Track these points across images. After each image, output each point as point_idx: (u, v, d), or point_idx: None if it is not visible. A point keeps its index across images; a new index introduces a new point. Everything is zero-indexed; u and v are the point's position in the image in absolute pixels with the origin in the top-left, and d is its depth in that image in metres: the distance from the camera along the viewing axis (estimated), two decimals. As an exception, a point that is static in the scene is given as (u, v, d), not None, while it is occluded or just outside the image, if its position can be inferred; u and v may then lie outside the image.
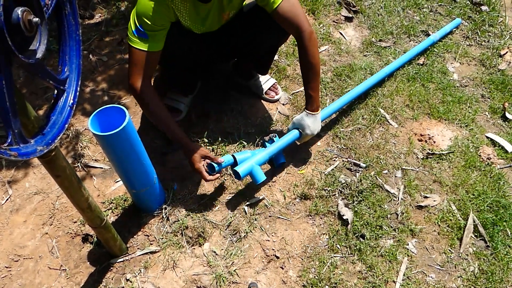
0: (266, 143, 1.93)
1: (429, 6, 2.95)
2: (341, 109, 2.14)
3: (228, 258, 1.65)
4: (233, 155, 1.78)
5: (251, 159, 1.75)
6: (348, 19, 2.81)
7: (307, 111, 1.82)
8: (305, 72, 1.79)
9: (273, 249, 1.69)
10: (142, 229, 1.73)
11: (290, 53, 2.51)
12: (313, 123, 1.82)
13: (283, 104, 2.24)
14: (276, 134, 1.95)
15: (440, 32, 2.63)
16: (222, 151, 1.98)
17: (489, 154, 2.02)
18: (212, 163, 1.70)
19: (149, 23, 1.50)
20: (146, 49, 1.54)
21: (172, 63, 1.84)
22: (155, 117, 1.68)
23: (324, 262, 1.64)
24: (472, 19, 2.83)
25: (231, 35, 1.88)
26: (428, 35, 2.67)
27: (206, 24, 1.70)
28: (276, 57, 2.41)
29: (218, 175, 1.75)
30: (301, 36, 1.69)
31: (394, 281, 1.60)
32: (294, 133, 1.88)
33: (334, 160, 1.99)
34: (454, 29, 2.75)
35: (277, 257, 1.66)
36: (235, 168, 1.71)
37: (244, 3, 1.78)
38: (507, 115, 2.21)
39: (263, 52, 2.03)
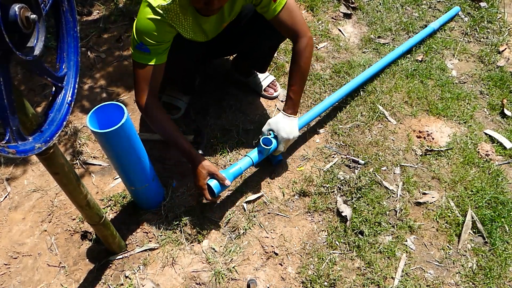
0: (261, 140, 1.91)
1: (428, 3, 2.94)
2: (337, 103, 2.13)
3: (227, 255, 1.65)
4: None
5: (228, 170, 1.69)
6: (347, 16, 2.80)
7: (284, 113, 1.77)
8: (293, 74, 1.74)
9: (272, 246, 1.69)
10: (141, 226, 1.73)
11: (289, 50, 2.50)
12: (289, 126, 1.76)
13: (281, 101, 2.24)
14: (271, 132, 1.92)
15: (439, 20, 2.64)
16: (221, 148, 1.98)
17: (487, 151, 2.02)
18: (212, 187, 1.61)
19: (149, 40, 1.47)
20: (149, 63, 1.52)
21: (170, 62, 1.83)
22: (164, 134, 1.65)
23: (323, 258, 1.65)
24: (471, 16, 2.83)
25: (230, 37, 1.87)
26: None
27: (208, 34, 1.69)
28: (275, 54, 2.41)
29: (216, 199, 1.74)
30: (299, 41, 1.68)
31: (392, 277, 1.61)
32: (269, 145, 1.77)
33: (333, 157, 1.99)
34: (453, 17, 2.78)
35: (276, 254, 1.67)
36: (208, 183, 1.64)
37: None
38: (506, 111, 2.22)
39: (262, 51, 2.03)
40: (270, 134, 1.88)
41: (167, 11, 1.46)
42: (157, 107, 1.61)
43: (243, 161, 1.74)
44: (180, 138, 1.65)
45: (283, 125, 1.75)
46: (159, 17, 1.46)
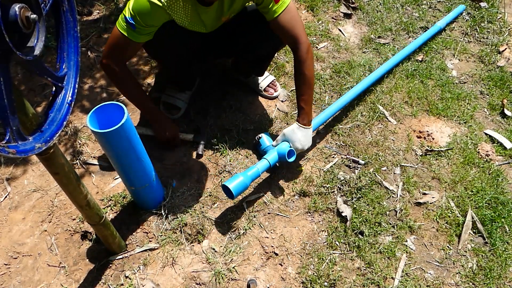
0: (260, 140, 1.92)
1: (428, 3, 2.94)
2: (340, 110, 2.13)
3: (227, 255, 1.65)
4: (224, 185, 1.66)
5: (242, 175, 1.68)
6: (347, 16, 2.80)
7: (299, 124, 1.77)
8: (299, 84, 1.75)
9: (272, 246, 1.69)
10: (141, 226, 1.73)
11: (289, 50, 2.50)
12: (304, 137, 1.78)
13: (282, 101, 2.24)
14: (286, 142, 1.90)
15: (445, 18, 2.66)
16: (221, 148, 1.98)
17: (487, 151, 2.02)
18: (231, 189, 1.61)
19: (140, 20, 1.49)
20: (129, 37, 1.54)
21: (170, 60, 1.83)
22: (130, 94, 1.76)
23: (323, 258, 1.65)
24: (471, 16, 2.83)
25: (230, 35, 1.87)
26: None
27: (207, 26, 1.69)
28: (275, 55, 2.41)
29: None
30: (298, 48, 1.67)
31: (392, 278, 1.61)
32: (285, 149, 1.77)
33: (333, 157, 1.99)
34: (459, 15, 2.81)
35: (276, 254, 1.67)
36: (225, 184, 1.64)
37: (247, 4, 1.76)
38: (506, 111, 2.22)
39: (261, 55, 2.02)
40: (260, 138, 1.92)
41: None
42: (125, 69, 1.68)
43: (260, 163, 1.75)
44: (147, 99, 1.81)
45: (299, 136, 1.77)
46: (157, 2, 1.46)
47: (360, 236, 1.71)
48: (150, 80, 2.32)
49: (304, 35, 1.67)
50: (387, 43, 2.61)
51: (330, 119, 2.14)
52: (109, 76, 1.71)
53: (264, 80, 2.23)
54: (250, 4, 1.74)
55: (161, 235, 1.69)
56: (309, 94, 1.76)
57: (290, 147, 1.78)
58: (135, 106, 1.85)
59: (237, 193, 1.64)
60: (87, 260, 1.65)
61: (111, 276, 1.60)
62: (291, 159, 1.77)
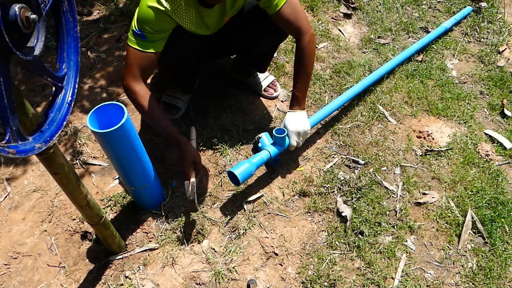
0: (260, 140, 1.93)
1: (428, 3, 2.94)
2: (340, 108, 2.13)
3: (227, 255, 1.65)
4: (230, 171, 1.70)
5: (247, 162, 1.72)
6: (347, 16, 2.80)
7: (290, 110, 1.81)
8: (297, 72, 1.77)
9: (272, 246, 1.69)
10: (141, 226, 1.73)
11: (289, 50, 2.50)
12: (295, 120, 1.78)
13: (282, 101, 2.24)
14: (268, 133, 1.94)
15: (451, 19, 2.68)
16: (221, 148, 1.98)
17: (487, 151, 2.02)
18: (237, 175, 1.64)
19: (148, 28, 1.48)
20: (142, 49, 1.52)
21: (170, 60, 1.83)
22: (151, 118, 1.63)
23: (323, 258, 1.65)
24: (471, 16, 2.83)
25: (231, 34, 1.87)
26: (427, 32, 2.68)
27: (210, 28, 1.70)
28: (275, 54, 2.41)
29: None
30: (302, 37, 1.68)
31: (392, 278, 1.61)
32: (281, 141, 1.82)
33: (333, 157, 1.99)
34: (466, 16, 2.82)
35: (276, 254, 1.67)
36: (231, 170, 1.67)
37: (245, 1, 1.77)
38: (506, 111, 2.22)
39: (263, 51, 2.03)
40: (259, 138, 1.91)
41: (170, 1, 1.47)
42: (146, 92, 1.59)
43: (263, 152, 1.78)
44: (169, 125, 1.64)
45: (290, 119, 1.79)
46: (160, 7, 1.46)
47: (360, 236, 1.71)
48: (150, 80, 2.32)
49: (307, 25, 1.68)
50: (387, 43, 2.61)
51: (329, 119, 2.14)
52: (130, 98, 1.61)
53: (264, 80, 2.23)
54: (248, 1, 1.74)
55: (161, 235, 1.69)
56: (305, 82, 1.78)
57: (287, 134, 1.80)
58: (158, 132, 1.71)
59: (243, 179, 1.66)
60: (87, 260, 1.65)
61: (111, 276, 1.60)
62: (282, 135, 1.78)
